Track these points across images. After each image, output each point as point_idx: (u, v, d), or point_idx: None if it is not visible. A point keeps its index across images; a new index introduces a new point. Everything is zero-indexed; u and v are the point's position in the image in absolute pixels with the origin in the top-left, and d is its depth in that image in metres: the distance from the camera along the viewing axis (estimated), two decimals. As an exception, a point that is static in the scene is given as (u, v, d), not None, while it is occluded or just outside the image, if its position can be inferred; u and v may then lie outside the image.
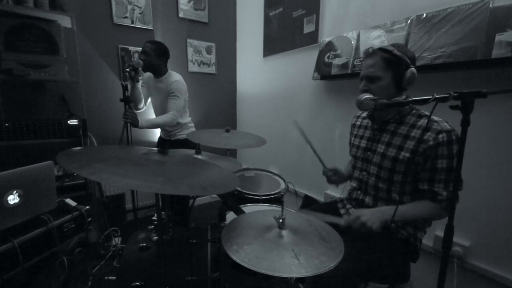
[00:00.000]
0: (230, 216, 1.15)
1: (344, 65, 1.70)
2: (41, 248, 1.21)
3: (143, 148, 0.94)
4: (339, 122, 1.91)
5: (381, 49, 0.97)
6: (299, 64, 2.22)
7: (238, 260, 0.62)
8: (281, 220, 0.75)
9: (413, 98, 0.74)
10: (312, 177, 2.18)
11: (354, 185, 1.17)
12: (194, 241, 1.10)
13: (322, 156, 1.23)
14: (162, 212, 1.26)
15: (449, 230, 0.67)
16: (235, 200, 1.40)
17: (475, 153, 1.23)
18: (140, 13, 2.39)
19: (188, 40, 2.70)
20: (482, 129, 1.21)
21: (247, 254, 0.64)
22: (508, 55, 1.05)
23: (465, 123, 0.63)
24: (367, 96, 0.90)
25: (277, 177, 1.69)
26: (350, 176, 1.27)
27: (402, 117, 1.00)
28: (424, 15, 1.32)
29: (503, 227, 1.19)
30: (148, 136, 2.59)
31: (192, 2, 2.66)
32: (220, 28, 2.89)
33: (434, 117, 0.94)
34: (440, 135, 0.88)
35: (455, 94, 0.63)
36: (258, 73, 2.76)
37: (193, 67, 2.77)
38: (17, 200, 1.15)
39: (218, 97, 3.02)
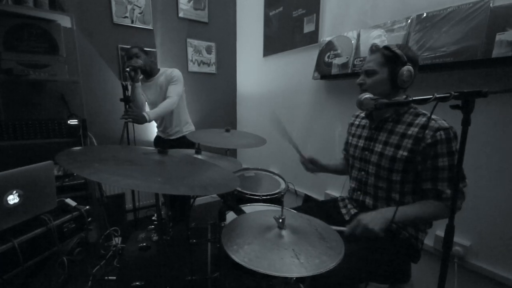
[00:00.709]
0: (230, 216, 1.15)
1: (344, 65, 1.70)
2: (41, 248, 1.21)
3: (143, 148, 0.94)
4: (339, 121, 1.91)
5: (384, 47, 1.00)
6: (299, 64, 2.22)
7: (238, 260, 0.62)
8: (281, 220, 0.75)
9: (414, 98, 0.74)
10: (312, 177, 2.17)
11: (353, 185, 1.17)
12: (194, 241, 1.10)
13: (300, 148, 1.24)
14: (162, 212, 1.26)
15: (450, 230, 0.67)
16: (235, 200, 1.39)
17: (475, 153, 1.23)
18: (140, 13, 2.39)
19: (188, 40, 2.70)
20: (482, 129, 1.21)
21: (247, 254, 0.64)
22: (508, 54, 1.04)
23: (466, 122, 0.62)
24: (368, 96, 0.90)
25: (277, 177, 1.69)
26: (334, 170, 1.35)
27: (400, 116, 1.00)
28: (424, 15, 1.32)
29: (504, 227, 1.19)
30: (149, 136, 2.59)
31: (192, 2, 2.66)
32: (220, 28, 2.89)
33: (432, 116, 0.94)
34: (438, 133, 0.88)
35: (455, 94, 0.63)
36: (258, 73, 2.76)
37: (193, 67, 2.77)
38: (17, 200, 1.15)
39: (218, 97, 3.02)
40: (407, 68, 0.93)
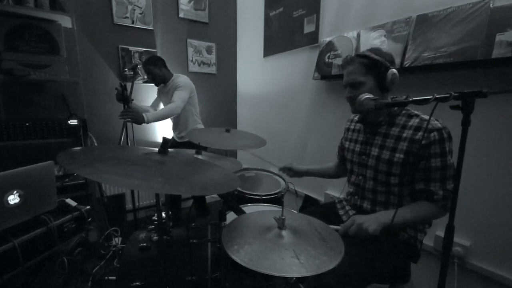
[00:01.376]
0: (230, 216, 1.15)
1: (344, 66, 1.70)
2: (41, 248, 1.21)
3: (143, 148, 0.94)
4: (339, 121, 1.90)
5: (359, 56, 0.99)
6: (299, 64, 2.22)
7: (238, 261, 0.62)
8: (281, 221, 0.75)
9: (414, 98, 0.74)
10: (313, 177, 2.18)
11: (351, 190, 1.16)
12: (194, 241, 1.10)
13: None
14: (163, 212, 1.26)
15: (450, 230, 0.67)
16: (235, 200, 1.39)
17: (475, 153, 1.23)
18: (140, 13, 2.39)
19: (189, 40, 2.70)
20: (482, 129, 1.21)
21: (247, 254, 0.64)
22: (508, 55, 1.05)
23: (466, 123, 0.62)
24: (368, 96, 0.90)
25: (277, 177, 1.69)
26: (319, 173, 1.38)
27: (393, 118, 1.00)
28: (425, 15, 1.32)
29: (504, 227, 1.19)
30: (151, 136, 2.59)
31: (192, 2, 2.66)
32: (220, 28, 2.89)
33: (424, 116, 0.94)
34: (432, 134, 0.88)
35: (455, 94, 0.63)
36: (258, 73, 2.76)
37: (193, 67, 2.77)
38: (17, 200, 1.15)
39: (218, 97, 3.02)
40: (393, 71, 0.94)
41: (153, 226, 1.36)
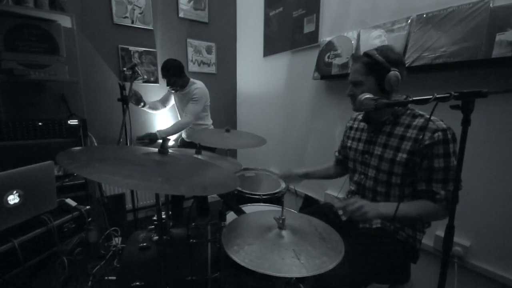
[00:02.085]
0: (230, 216, 1.15)
1: (344, 65, 1.70)
2: (41, 248, 1.21)
3: (143, 148, 0.94)
4: (339, 121, 1.91)
5: (365, 54, 0.98)
6: (299, 64, 2.22)
7: (239, 261, 0.62)
8: (281, 221, 0.75)
9: (414, 98, 0.74)
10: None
11: (353, 188, 1.16)
12: (194, 241, 1.10)
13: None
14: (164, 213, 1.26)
15: (450, 230, 0.67)
16: (235, 200, 1.39)
17: (475, 153, 1.23)
18: (140, 13, 2.39)
19: (188, 40, 2.70)
20: (482, 129, 1.21)
21: (247, 255, 0.64)
22: (508, 54, 1.04)
23: (466, 123, 0.62)
24: (368, 95, 0.90)
25: (277, 177, 1.69)
26: (318, 176, 1.36)
27: (397, 118, 1.00)
28: (425, 15, 1.32)
29: (504, 227, 1.19)
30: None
31: (192, 2, 2.66)
32: (220, 28, 2.89)
33: (428, 116, 0.94)
34: (436, 134, 0.87)
35: (455, 94, 0.63)
36: (258, 73, 2.76)
37: (193, 67, 2.77)
38: (17, 200, 1.15)
39: (218, 97, 3.02)
40: (393, 73, 0.92)
41: (153, 226, 1.36)
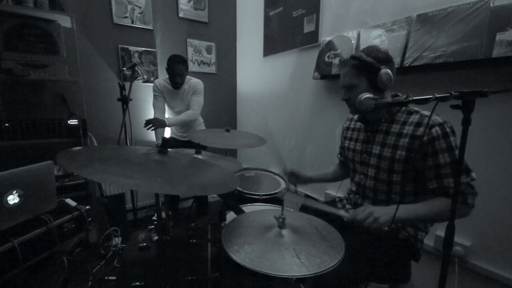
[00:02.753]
0: (230, 216, 1.15)
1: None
2: (41, 248, 1.21)
3: (143, 148, 0.94)
4: (339, 121, 1.90)
5: (352, 57, 0.98)
6: (299, 64, 2.22)
7: (239, 261, 0.62)
8: (281, 220, 0.75)
9: (414, 98, 0.74)
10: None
11: (353, 188, 1.16)
12: (194, 241, 1.10)
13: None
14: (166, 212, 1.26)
15: (450, 230, 0.67)
16: (235, 200, 1.39)
17: (475, 153, 1.23)
18: (140, 13, 2.39)
19: (188, 40, 2.70)
20: (482, 129, 1.21)
21: (247, 254, 0.64)
22: (508, 54, 1.04)
23: (466, 122, 0.62)
24: (368, 95, 0.90)
25: (277, 177, 1.69)
26: (322, 179, 1.34)
27: (393, 116, 1.00)
28: (425, 15, 1.31)
29: (504, 227, 1.19)
30: (149, 136, 2.59)
31: (192, 2, 2.66)
32: (220, 28, 2.89)
33: (424, 112, 0.94)
34: (434, 129, 0.87)
35: (455, 94, 0.62)
36: (258, 73, 2.76)
37: (193, 67, 2.77)
38: (17, 200, 1.15)
39: (218, 97, 3.02)
40: (385, 71, 0.92)
41: (153, 226, 1.36)
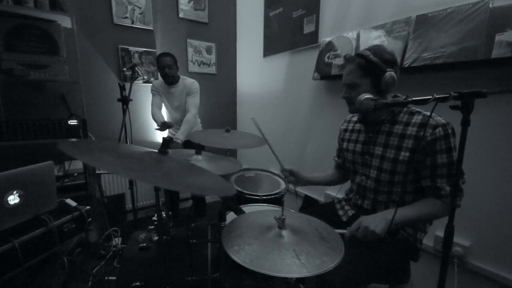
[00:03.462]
0: (230, 216, 1.15)
1: (344, 65, 1.70)
2: (41, 248, 1.21)
3: (142, 147, 0.94)
4: (339, 121, 1.90)
5: (358, 55, 0.98)
6: (299, 64, 2.22)
7: (239, 261, 0.62)
8: (281, 220, 0.75)
9: (413, 98, 0.74)
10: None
11: (353, 189, 1.16)
12: (194, 241, 1.10)
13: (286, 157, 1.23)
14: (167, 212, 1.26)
15: (450, 230, 0.67)
16: (235, 200, 1.39)
17: (475, 153, 1.23)
18: (140, 13, 2.39)
19: (188, 40, 2.70)
20: (482, 129, 1.21)
21: (248, 255, 0.64)
22: (508, 55, 1.05)
23: (465, 123, 0.62)
24: (368, 96, 0.90)
25: (277, 177, 1.69)
26: (320, 182, 1.30)
27: (395, 116, 1.00)
28: (424, 15, 1.32)
29: (503, 227, 1.19)
30: (148, 136, 2.59)
31: (192, 2, 2.66)
32: (220, 28, 2.89)
33: (426, 113, 0.94)
34: (437, 130, 0.87)
35: (455, 94, 0.63)
36: (258, 73, 2.76)
37: (193, 67, 2.77)
38: (17, 200, 1.15)
39: (218, 97, 3.02)
40: (390, 74, 0.92)
41: (153, 226, 1.36)
